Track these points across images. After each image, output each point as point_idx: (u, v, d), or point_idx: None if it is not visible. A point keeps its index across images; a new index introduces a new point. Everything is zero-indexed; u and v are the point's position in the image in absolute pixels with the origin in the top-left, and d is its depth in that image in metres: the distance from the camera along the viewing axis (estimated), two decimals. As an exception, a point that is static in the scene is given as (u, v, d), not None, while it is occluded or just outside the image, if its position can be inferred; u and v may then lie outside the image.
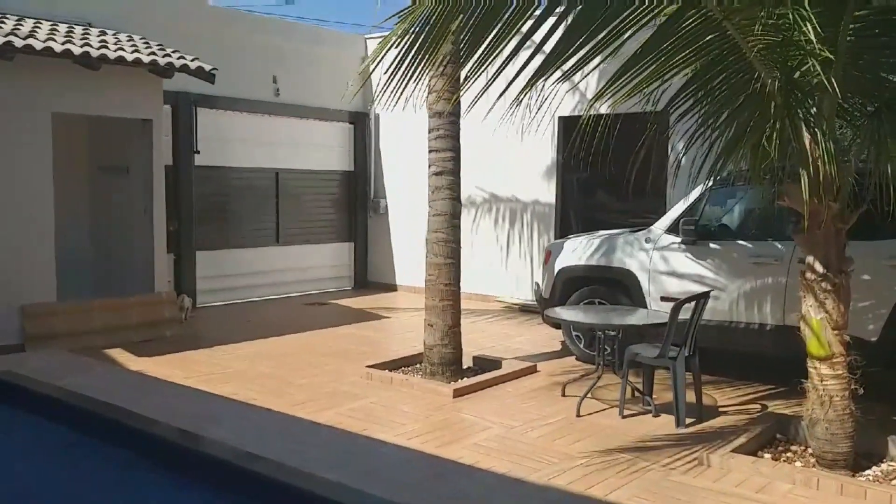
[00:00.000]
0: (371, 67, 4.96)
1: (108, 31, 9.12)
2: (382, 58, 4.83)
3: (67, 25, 8.79)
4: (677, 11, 4.11)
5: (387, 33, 4.93)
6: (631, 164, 5.06)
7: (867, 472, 4.73)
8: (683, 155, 5.21)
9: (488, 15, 4.13)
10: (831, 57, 3.98)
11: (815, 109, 4.51)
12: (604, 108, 4.90)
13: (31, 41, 7.41)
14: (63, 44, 7.67)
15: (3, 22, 7.97)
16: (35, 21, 8.55)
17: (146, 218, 9.03)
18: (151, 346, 8.31)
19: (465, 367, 7.16)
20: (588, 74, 4.58)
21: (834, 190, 4.59)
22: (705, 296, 6.03)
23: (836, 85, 4.08)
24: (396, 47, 4.67)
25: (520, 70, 4.23)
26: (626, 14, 4.00)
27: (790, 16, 3.96)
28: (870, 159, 4.73)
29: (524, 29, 4.13)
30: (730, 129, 4.86)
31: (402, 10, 4.67)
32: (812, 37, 3.82)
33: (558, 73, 4.35)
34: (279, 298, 11.86)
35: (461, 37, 4.33)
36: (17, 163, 7.89)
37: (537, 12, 4.05)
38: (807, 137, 4.36)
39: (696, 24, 4.20)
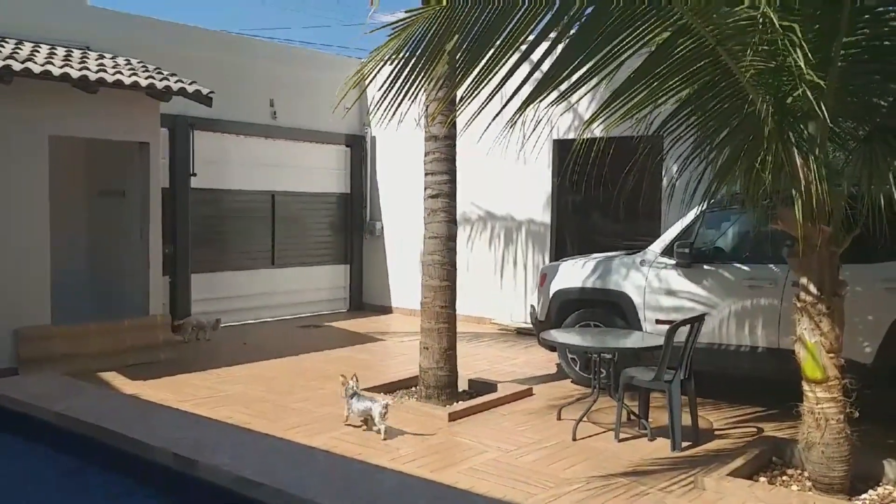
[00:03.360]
0: (357, 81, 4.93)
1: (106, 54, 9.17)
2: (378, 71, 4.85)
3: (66, 49, 8.84)
4: (670, 38, 4.17)
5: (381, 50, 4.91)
6: (620, 186, 5.10)
7: (864, 495, 4.72)
8: (678, 178, 5.25)
9: (482, 39, 4.18)
10: (821, 82, 4.03)
11: (806, 134, 4.55)
12: (598, 132, 4.94)
13: (29, 64, 7.45)
14: (61, 67, 7.71)
15: (1, 45, 8.02)
16: (34, 45, 8.60)
17: (142, 241, 9.03)
18: (146, 369, 8.27)
19: (460, 390, 7.14)
20: (581, 98, 4.62)
21: (827, 213, 4.63)
22: (700, 319, 6.04)
23: (825, 110, 4.12)
24: (391, 63, 4.70)
25: (514, 93, 4.26)
26: (617, 41, 4.05)
27: (779, 42, 4.01)
28: (863, 183, 4.78)
29: (518, 54, 4.18)
30: (723, 153, 4.91)
31: (395, 22, 4.68)
32: (802, 63, 3.87)
33: (553, 96, 4.40)
34: (274, 321, 11.83)
35: (456, 58, 4.37)
36: (14, 185, 7.90)
37: (531, 38, 4.10)
38: (799, 161, 4.39)
39: (688, 49, 4.26)
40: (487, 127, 4.83)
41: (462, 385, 7.24)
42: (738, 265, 6.86)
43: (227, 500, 2.09)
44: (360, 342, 10.19)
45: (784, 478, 5.07)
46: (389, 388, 7.28)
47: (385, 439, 5.88)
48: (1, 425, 3.12)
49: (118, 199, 9.42)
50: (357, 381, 6.29)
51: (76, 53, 8.75)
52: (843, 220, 4.77)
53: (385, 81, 4.64)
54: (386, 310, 12.83)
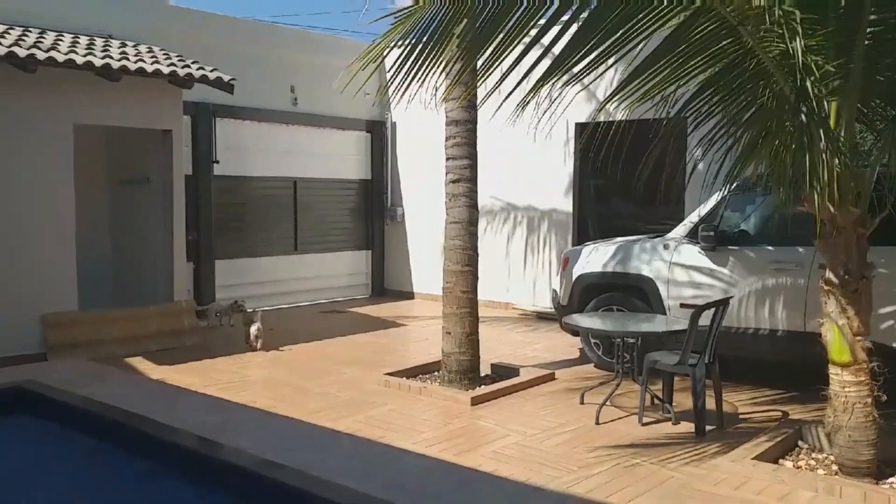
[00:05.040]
0: (365, 63, 4.90)
1: (128, 43, 9.22)
2: (386, 56, 4.84)
3: (89, 38, 8.90)
4: (690, 17, 4.10)
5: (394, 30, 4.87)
6: (642, 168, 5.04)
7: (890, 479, 4.67)
8: (700, 160, 5.19)
9: (492, 22, 4.13)
10: (815, 68, 3.93)
11: (827, 115, 4.46)
12: (620, 114, 4.89)
13: (53, 53, 7.51)
14: (84, 56, 7.77)
15: (26, 35, 8.09)
16: (57, 34, 8.67)
17: (166, 228, 9.11)
18: (171, 354, 8.37)
19: (482, 374, 7.15)
20: (598, 78, 4.56)
21: (854, 195, 4.55)
22: (725, 302, 5.99)
23: (841, 93, 4.03)
24: (399, 48, 4.68)
25: (526, 73, 4.21)
26: (637, 20, 3.98)
27: (783, 32, 3.91)
28: (891, 164, 4.69)
29: (531, 34, 4.12)
30: (747, 135, 4.83)
31: (398, 11, 4.64)
32: (800, 56, 3.79)
33: (568, 77, 4.35)
34: (297, 306, 11.91)
35: (465, 42, 4.32)
36: (40, 174, 8.00)
37: (542, 21, 4.05)
38: (821, 143, 4.32)
39: (710, 29, 4.19)
40: (499, 107, 4.78)
41: (484, 369, 7.25)
42: (764, 248, 6.78)
43: (252, 482, 2.11)
44: (382, 327, 10.24)
45: (810, 461, 5.03)
46: (412, 373, 7.31)
47: (255, 349, 8.56)
48: (30, 409, 3.17)
49: (141, 187, 9.50)
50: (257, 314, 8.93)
51: (98, 42, 8.80)
52: (870, 202, 4.70)
53: (393, 65, 4.63)
54: (407, 295, 12.87)
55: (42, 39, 8.10)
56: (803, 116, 4.25)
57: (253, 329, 8.66)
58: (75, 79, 7.94)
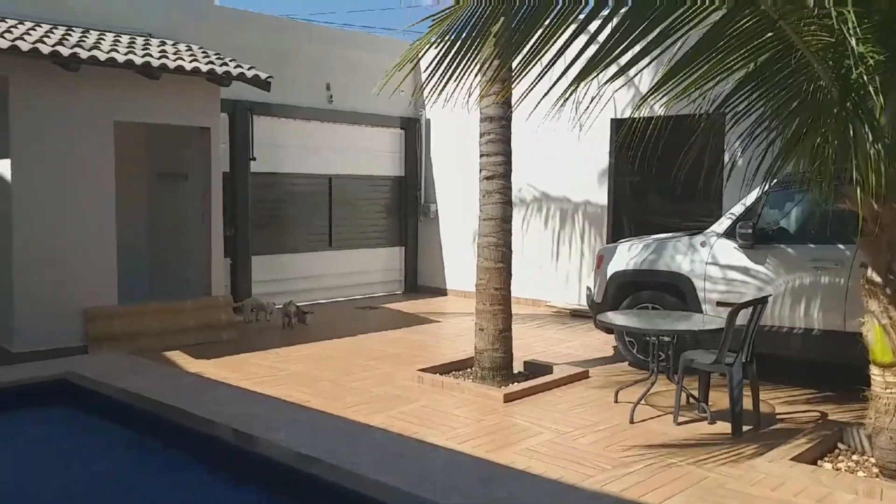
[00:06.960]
0: (401, 65, 4.88)
1: (167, 41, 9.36)
2: (423, 55, 4.84)
3: (129, 37, 9.05)
4: (731, 11, 4.03)
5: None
6: (680, 165, 4.97)
7: (934, 483, 4.57)
8: (740, 157, 5.11)
9: (531, 19, 4.10)
10: (877, 58, 3.84)
11: (872, 110, 4.35)
12: (657, 110, 4.83)
13: (95, 52, 7.66)
14: (125, 54, 7.91)
15: (69, 34, 8.26)
16: (99, 33, 8.84)
17: (204, 224, 9.24)
18: (209, 348, 8.49)
19: (515, 371, 7.13)
20: (637, 75, 4.50)
21: (897, 191, 4.44)
22: (763, 301, 5.90)
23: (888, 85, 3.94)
24: (436, 47, 4.67)
25: (563, 72, 4.17)
26: (676, 15, 3.92)
27: (834, 21, 3.83)
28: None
29: (568, 32, 4.08)
30: (788, 130, 4.74)
31: (439, 12, 4.63)
32: (854, 44, 3.70)
33: (608, 74, 4.30)
34: (331, 302, 12.00)
35: (502, 41, 4.29)
36: (82, 170, 8.16)
37: (581, 16, 4.01)
38: (865, 139, 4.22)
39: (750, 23, 4.12)
40: (537, 105, 4.75)
41: (517, 367, 7.23)
42: (803, 245, 6.66)
43: (285, 475, 2.13)
44: (415, 323, 10.26)
45: (849, 463, 4.93)
46: (445, 369, 7.32)
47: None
48: (71, 401, 3.24)
49: (179, 183, 9.65)
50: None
51: (139, 41, 8.95)
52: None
53: (430, 64, 4.63)
54: (440, 292, 12.88)
55: (84, 39, 8.26)
56: (847, 110, 4.17)
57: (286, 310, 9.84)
58: (116, 77, 8.09)
